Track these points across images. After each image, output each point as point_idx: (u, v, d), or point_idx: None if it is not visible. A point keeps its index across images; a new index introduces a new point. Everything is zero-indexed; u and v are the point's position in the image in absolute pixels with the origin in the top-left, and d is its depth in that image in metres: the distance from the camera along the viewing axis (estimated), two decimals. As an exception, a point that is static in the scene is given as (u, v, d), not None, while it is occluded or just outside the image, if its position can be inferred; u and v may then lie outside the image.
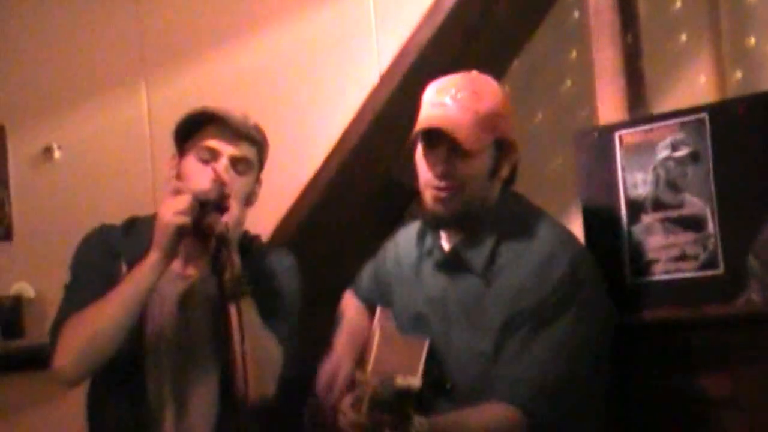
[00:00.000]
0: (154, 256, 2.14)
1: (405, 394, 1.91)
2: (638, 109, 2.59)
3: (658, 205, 2.31)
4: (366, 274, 2.54)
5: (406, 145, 2.23)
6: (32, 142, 3.61)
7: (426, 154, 2.22)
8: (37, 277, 3.56)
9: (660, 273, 2.30)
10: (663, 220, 2.30)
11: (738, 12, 3.04)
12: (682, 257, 2.26)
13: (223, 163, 2.23)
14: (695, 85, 3.08)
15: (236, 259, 2.10)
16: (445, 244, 2.29)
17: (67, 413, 2.62)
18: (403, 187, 2.46)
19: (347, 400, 2.16)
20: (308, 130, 3.21)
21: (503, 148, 2.22)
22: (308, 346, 2.34)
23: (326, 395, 2.26)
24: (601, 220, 2.39)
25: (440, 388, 2.18)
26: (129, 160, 3.52)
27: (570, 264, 2.15)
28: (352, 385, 2.24)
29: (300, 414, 2.35)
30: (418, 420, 1.92)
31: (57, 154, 3.59)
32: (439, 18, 2.94)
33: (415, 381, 1.95)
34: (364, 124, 3.09)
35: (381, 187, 3.22)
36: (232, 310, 2.02)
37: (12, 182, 3.64)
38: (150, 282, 2.15)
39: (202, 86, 3.35)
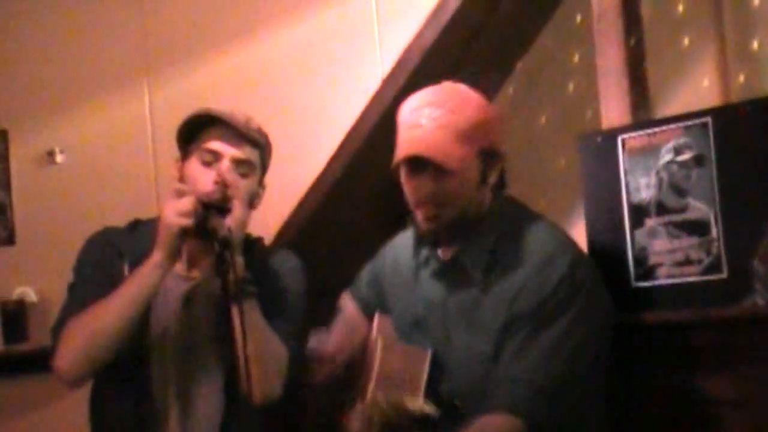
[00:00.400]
0: (156, 257, 2.15)
1: (420, 420, 1.91)
2: (642, 112, 2.57)
3: (661, 208, 2.30)
4: (364, 276, 2.53)
5: (390, 169, 2.21)
6: (35, 145, 3.61)
7: (410, 180, 2.20)
8: (40, 281, 3.56)
9: (664, 277, 2.29)
10: (667, 224, 2.29)
11: (741, 15, 3.04)
12: (686, 261, 2.26)
13: (225, 165, 2.23)
14: (699, 89, 3.08)
15: (239, 260, 2.12)
16: (442, 253, 2.28)
17: (69, 417, 2.62)
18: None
19: (355, 422, 2.16)
20: (311, 132, 3.21)
21: (488, 155, 2.20)
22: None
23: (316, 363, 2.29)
24: (605, 223, 2.39)
25: (449, 406, 2.16)
26: (132, 164, 3.53)
27: (569, 265, 2.14)
28: (355, 399, 2.24)
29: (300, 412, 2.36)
30: None
31: (59, 157, 3.59)
32: (443, 20, 2.94)
33: (431, 409, 1.95)
34: (367, 127, 3.09)
35: (384, 190, 3.21)
36: (236, 311, 2.03)
37: (15, 186, 3.63)
38: (152, 283, 2.15)
39: (205, 89, 3.36)
